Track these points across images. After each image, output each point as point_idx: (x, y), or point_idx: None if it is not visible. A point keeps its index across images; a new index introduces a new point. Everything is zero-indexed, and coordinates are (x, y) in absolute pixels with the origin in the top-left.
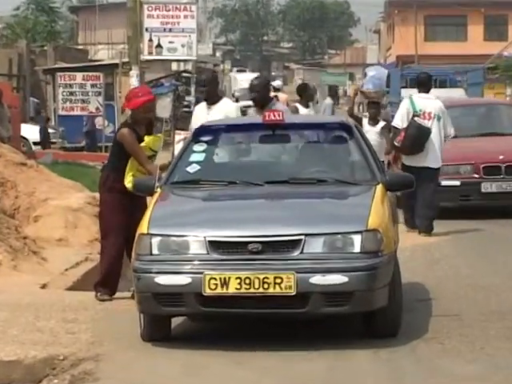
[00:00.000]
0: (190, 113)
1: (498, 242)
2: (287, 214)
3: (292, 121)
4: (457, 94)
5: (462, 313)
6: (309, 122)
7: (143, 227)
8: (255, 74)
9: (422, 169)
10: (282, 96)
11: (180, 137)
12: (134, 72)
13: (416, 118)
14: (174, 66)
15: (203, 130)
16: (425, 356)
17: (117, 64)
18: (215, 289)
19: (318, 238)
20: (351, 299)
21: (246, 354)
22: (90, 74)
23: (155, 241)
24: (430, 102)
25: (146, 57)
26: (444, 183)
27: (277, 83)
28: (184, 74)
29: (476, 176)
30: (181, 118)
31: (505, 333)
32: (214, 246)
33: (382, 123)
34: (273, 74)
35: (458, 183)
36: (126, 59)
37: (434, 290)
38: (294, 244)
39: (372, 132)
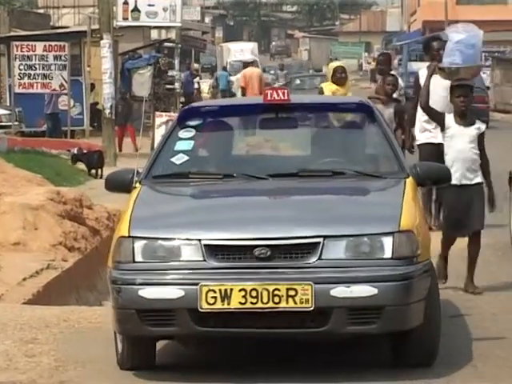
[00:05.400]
0: (174, 90)
1: None
2: (300, 213)
3: (299, 101)
4: None
5: (502, 332)
6: (320, 102)
7: (123, 229)
8: (251, 44)
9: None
10: (254, 71)
11: (162, 119)
12: (106, 41)
13: None
14: (155, 35)
15: (190, 112)
16: None
17: (85, 32)
18: (214, 303)
19: (339, 240)
20: (381, 316)
21: None
22: (53, 43)
23: (139, 245)
24: None
25: (120, 23)
26: None
27: (248, 57)
28: (166, 44)
29: None
30: (163, 97)
31: None
32: (212, 250)
33: (479, 123)
34: (273, 43)
35: None
36: (96, 26)
37: (467, 303)
38: (309, 248)
39: (464, 137)
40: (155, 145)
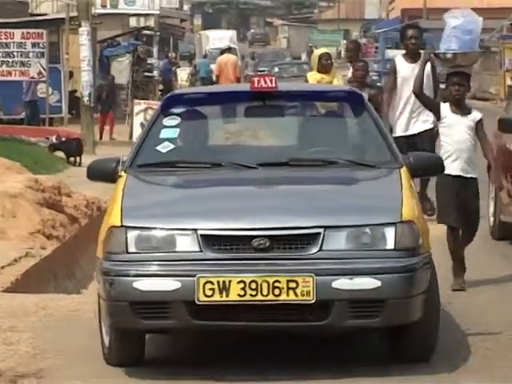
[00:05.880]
0: (152, 78)
1: None
2: (299, 203)
3: (288, 89)
4: None
5: (489, 326)
6: (309, 90)
7: (114, 218)
8: (230, 32)
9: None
10: (230, 57)
11: (140, 107)
12: (85, 29)
13: None
14: (133, 22)
15: (174, 99)
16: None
17: (63, 19)
18: (212, 296)
19: (340, 231)
20: (383, 309)
21: None
22: (31, 31)
23: (132, 235)
24: None
25: (98, 10)
26: None
27: (226, 44)
28: (145, 32)
29: None
30: (141, 85)
31: None
32: (209, 241)
33: (475, 113)
34: (252, 31)
35: None
36: (75, 13)
37: (451, 298)
38: (310, 239)
39: (460, 126)
40: (134, 132)
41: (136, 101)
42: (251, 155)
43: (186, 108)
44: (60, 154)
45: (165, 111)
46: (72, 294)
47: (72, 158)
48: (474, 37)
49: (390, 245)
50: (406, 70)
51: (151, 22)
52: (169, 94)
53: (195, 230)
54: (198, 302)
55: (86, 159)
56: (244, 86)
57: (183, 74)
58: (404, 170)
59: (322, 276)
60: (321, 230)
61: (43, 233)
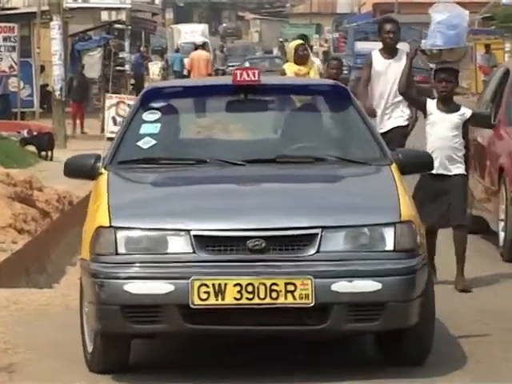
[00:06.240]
0: (124, 72)
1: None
2: (295, 202)
3: (271, 82)
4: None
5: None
6: (293, 84)
7: (102, 218)
8: (202, 26)
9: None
10: (202, 54)
11: (112, 101)
12: (56, 23)
13: None
14: (105, 16)
15: (153, 93)
16: None
17: (34, 13)
18: (207, 299)
19: (338, 231)
20: (383, 312)
21: None
22: (2, 25)
23: (121, 236)
24: None
25: (70, 4)
26: None
27: (199, 39)
28: (116, 26)
29: None
30: (113, 79)
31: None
32: (202, 242)
33: (465, 109)
34: (224, 25)
35: None
36: (46, 7)
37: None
38: (307, 240)
39: (445, 123)
40: (105, 127)
41: (108, 95)
42: (237, 151)
43: (166, 102)
44: (31, 148)
45: (144, 105)
46: (43, 288)
47: (43, 153)
48: (460, 31)
49: (390, 246)
50: (382, 66)
51: (123, 16)
52: (148, 88)
53: (188, 230)
54: (192, 306)
55: (58, 153)
56: (226, 79)
57: (155, 68)
58: (394, 167)
59: (320, 278)
60: (318, 231)
61: (14, 227)
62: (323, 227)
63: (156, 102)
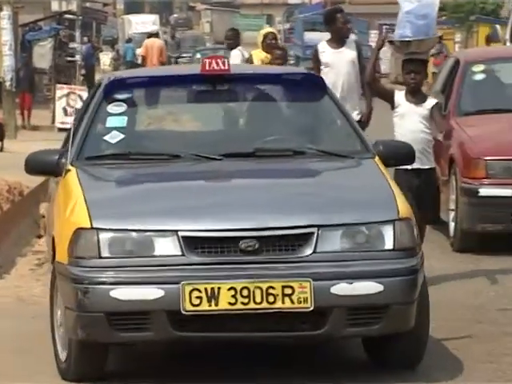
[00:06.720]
0: (75, 62)
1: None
2: (285, 199)
3: (242, 71)
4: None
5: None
6: (264, 73)
7: (81, 219)
8: (153, 16)
9: None
10: (155, 41)
11: (62, 92)
12: (6, 13)
13: None
14: (55, 6)
15: (117, 83)
16: None
17: None
18: (199, 304)
19: (335, 230)
20: (384, 316)
21: None
22: None
23: (105, 238)
24: None
25: None
26: (485, 192)
27: (151, 28)
28: (67, 16)
29: None
30: (64, 70)
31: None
32: (191, 244)
33: (432, 100)
34: (175, 15)
35: (509, 193)
36: None
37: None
38: (303, 239)
39: (415, 116)
40: (56, 117)
41: (58, 85)
42: (212, 145)
43: (131, 93)
44: None
45: (108, 97)
46: None
47: None
48: (430, 22)
49: (389, 245)
50: (331, 56)
51: (73, 7)
52: (111, 78)
53: (176, 231)
54: (183, 312)
55: (8, 144)
56: (193, 69)
57: (106, 58)
58: (378, 160)
59: (319, 281)
60: (314, 230)
61: None
62: (319, 226)
63: (120, 94)
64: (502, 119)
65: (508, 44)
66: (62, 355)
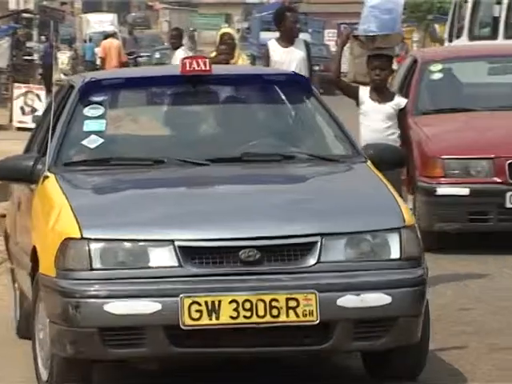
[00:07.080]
0: (32, 61)
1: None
2: (285, 206)
3: (223, 72)
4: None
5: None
6: (247, 74)
7: (69, 229)
8: (111, 16)
9: None
10: (113, 42)
11: (20, 91)
12: None
13: None
14: (12, 5)
15: (92, 85)
16: None
17: None
18: (199, 318)
19: (339, 238)
20: (392, 329)
21: None
22: None
23: (96, 248)
24: None
25: None
26: (442, 191)
27: (108, 28)
28: (24, 15)
29: (497, 180)
30: (21, 68)
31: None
32: (188, 254)
33: (399, 99)
34: (133, 14)
35: (466, 192)
36: None
37: None
38: (306, 249)
39: (378, 114)
40: (14, 117)
41: (16, 84)
42: (197, 150)
43: (108, 95)
44: None
45: (84, 99)
46: None
47: None
48: (395, 16)
49: (395, 254)
50: (281, 55)
51: (31, 5)
52: (86, 79)
53: (172, 240)
54: (183, 327)
55: None
56: (172, 69)
57: (64, 57)
58: (371, 165)
59: (325, 292)
60: (318, 239)
61: None
62: (323, 234)
63: (97, 96)
64: (459, 118)
65: (446, 44)
66: (44, 374)
